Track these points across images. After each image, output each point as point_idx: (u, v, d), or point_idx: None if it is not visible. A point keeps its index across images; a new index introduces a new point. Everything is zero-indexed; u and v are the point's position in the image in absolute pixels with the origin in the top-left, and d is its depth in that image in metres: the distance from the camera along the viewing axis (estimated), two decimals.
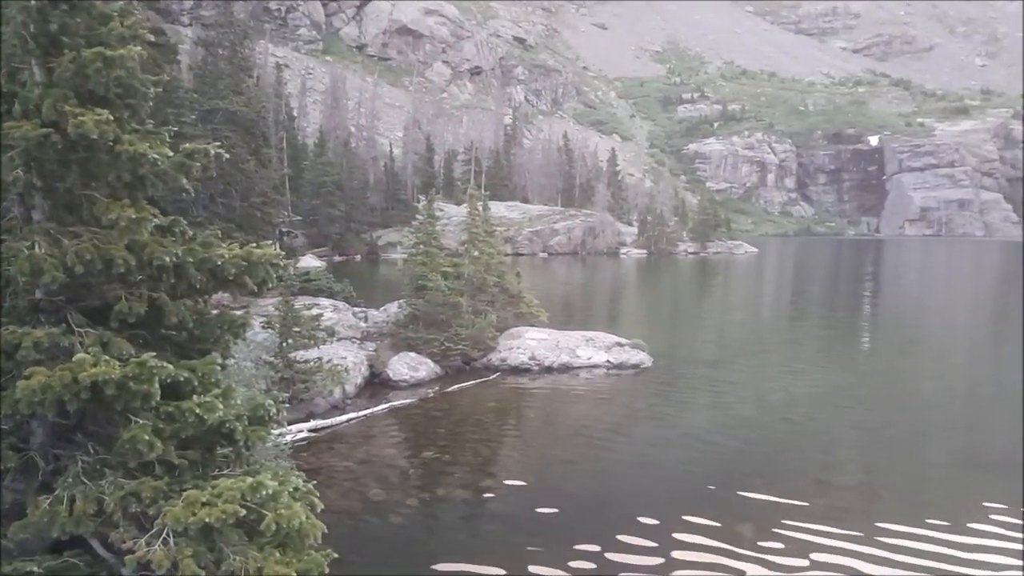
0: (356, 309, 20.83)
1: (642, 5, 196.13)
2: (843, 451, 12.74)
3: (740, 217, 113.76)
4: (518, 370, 18.22)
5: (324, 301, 19.70)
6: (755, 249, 75.11)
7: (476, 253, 20.13)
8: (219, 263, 5.52)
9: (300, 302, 14.61)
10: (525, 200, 75.17)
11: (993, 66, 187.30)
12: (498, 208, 64.72)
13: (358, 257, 53.15)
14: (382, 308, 20.84)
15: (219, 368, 5.50)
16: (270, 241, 6.46)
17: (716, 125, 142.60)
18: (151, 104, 5.89)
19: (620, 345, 19.89)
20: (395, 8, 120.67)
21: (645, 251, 69.47)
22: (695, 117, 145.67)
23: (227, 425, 4.97)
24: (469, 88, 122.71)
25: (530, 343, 19.34)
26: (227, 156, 6.33)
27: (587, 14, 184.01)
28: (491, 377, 17.52)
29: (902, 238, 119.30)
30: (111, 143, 5.16)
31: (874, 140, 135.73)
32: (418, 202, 58.19)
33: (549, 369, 18.43)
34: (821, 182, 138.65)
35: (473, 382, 16.86)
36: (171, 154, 5.49)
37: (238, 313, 6.40)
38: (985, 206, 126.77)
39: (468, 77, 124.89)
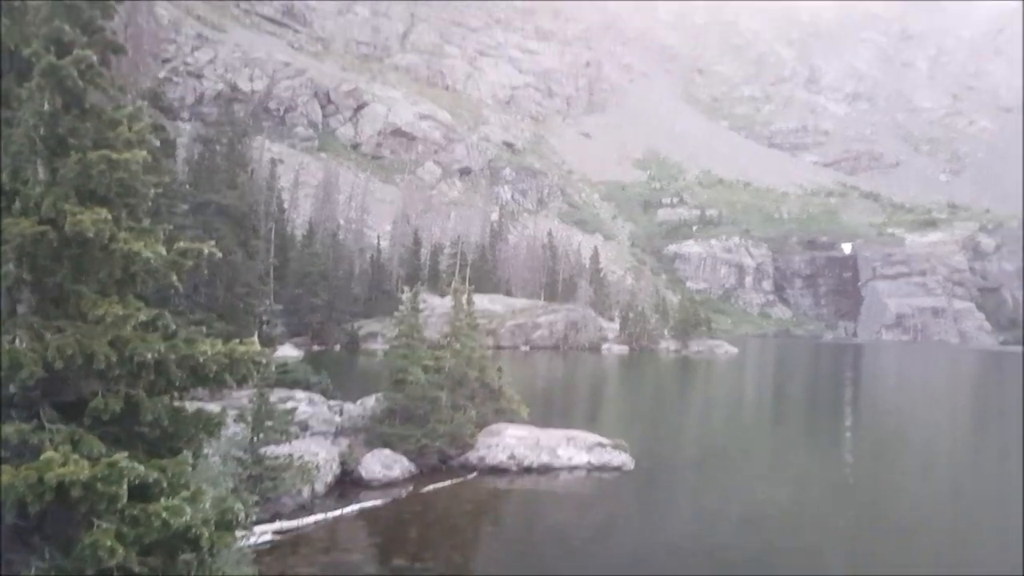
0: (332, 402, 20.43)
1: (624, 117, 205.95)
2: (827, 563, 12.41)
3: (720, 317, 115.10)
4: (496, 470, 17.76)
5: (300, 394, 19.37)
6: (735, 349, 75.44)
7: (458, 346, 20.07)
8: (201, 360, 5.50)
9: (275, 395, 14.37)
10: (509, 293, 75.78)
11: (957, 182, 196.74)
12: (482, 301, 65.02)
13: (337, 347, 52.66)
14: (359, 402, 20.45)
15: (190, 468, 5.38)
16: (254, 337, 6.47)
17: (695, 228, 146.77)
18: (150, 203, 6.04)
19: (602, 445, 19.56)
20: (391, 112, 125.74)
21: (627, 347, 69.57)
22: (675, 220, 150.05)
23: (193, 530, 4.79)
24: (458, 186, 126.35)
25: (510, 441, 18.98)
26: (219, 255, 6.43)
27: (572, 123, 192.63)
28: (468, 477, 17.05)
29: (879, 343, 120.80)
30: (106, 241, 5.26)
31: (847, 248, 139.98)
32: (402, 293, 58.74)
33: (528, 469, 17.98)
34: (798, 286, 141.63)
35: (449, 482, 16.32)
36: (165, 252, 5.58)
37: (214, 411, 6.32)
38: (959, 314, 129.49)
39: (458, 176, 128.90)
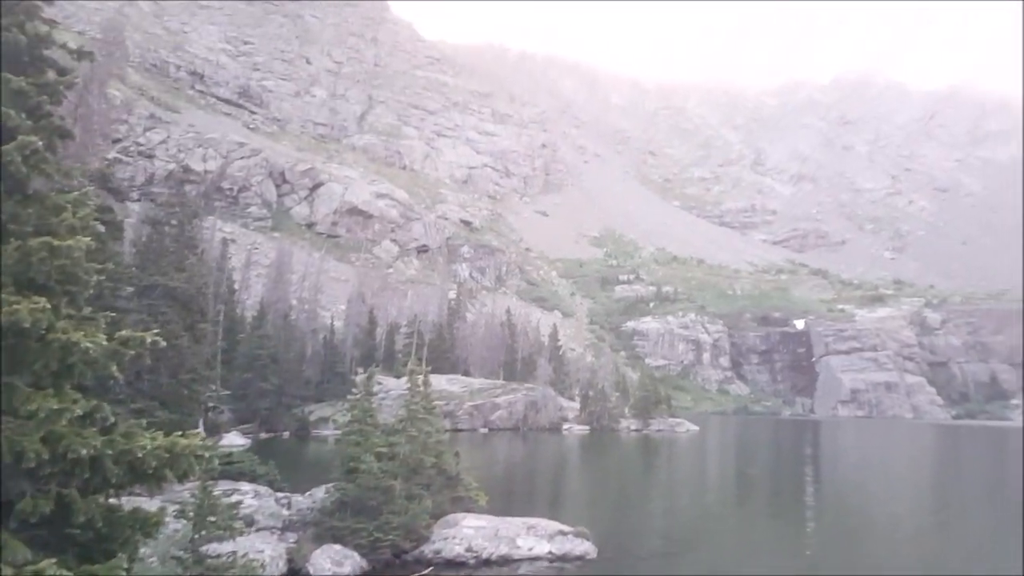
0: (279, 494, 19.59)
1: (580, 197, 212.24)
2: None
3: (680, 394, 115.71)
4: (453, 563, 17.11)
5: (245, 486, 18.57)
6: (696, 427, 75.54)
7: (414, 431, 19.63)
8: (140, 455, 5.30)
9: (219, 487, 13.76)
10: (467, 373, 75.04)
11: (901, 259, 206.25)
12: (439, 381, 64.38)
13: (286, 434, 50.90)
14: (308, 493, 19.65)
15: (124, 574, 5.10)
16: (198, 427, 6.28)
17: (652, 305, 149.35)
18: (91, 289, 5.93)
19: (563, 534, 19.11)
20: (347, 190, 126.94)
21: (587, 427, 69.03)
22: (632, 297, 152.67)
23: None
24: (415, 264, 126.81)
25: (467, 532, 18.39)
26: (163, 343, 6.31)
27: (530, 202, 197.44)
28: (423, 573, 16.39)
29: (836, 419, 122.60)
30: (43, 331, 5.12)
31: (800, 324, 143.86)
32: (356, 375, 57.64)
33: (487, 562, 17.37)
34: (754, 362, 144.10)
35: None
36: (105, 342, 5.45)
37: (152, 509, 6.04)
38: (911, 389, 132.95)
39: (415, 254, 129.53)
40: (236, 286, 60.71)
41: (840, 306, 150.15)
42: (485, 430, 61.96)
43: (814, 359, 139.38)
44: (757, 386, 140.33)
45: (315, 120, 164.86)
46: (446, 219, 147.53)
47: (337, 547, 16.22)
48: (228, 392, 43.69)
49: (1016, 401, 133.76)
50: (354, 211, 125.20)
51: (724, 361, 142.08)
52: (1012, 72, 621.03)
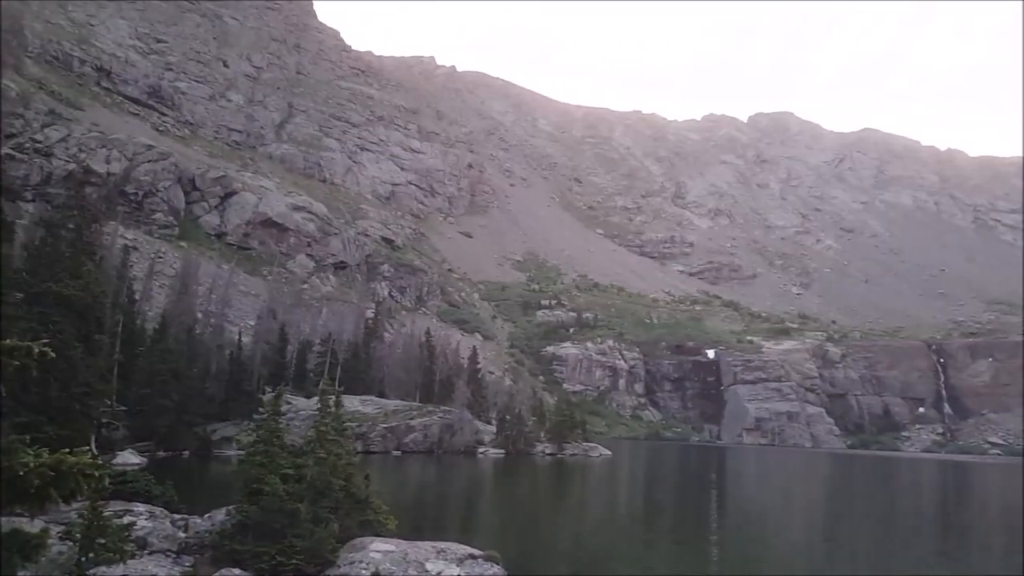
0: (176, 516, 18.85)
1: (505, 220, 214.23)
2: None
3: (595, 419, 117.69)
4: None
5: (139, 506, 17.79)
6: (609, 452, 77.08)
7: (323, 454, 19.33)
8: (22, 473, 5.11)
9: (111, 508, 13.17)
10: (382, 394, 73.97)
11: (807, 295, 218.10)
12: (352, 402, 63.21)
13: (186, 453, 48.73)
14: (207, 515, 18.98)
15: None
16: (89, 444, 6.14)
17: (572, 330, 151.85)
18: None
19: (473, 557, 19.17)
20: (262, 201, 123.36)
21: (503, 451, 69.24)
22: (552, 322, 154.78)
23: None
24: (332, 281, 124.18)
25: (375, 556, 18.18)
26: (52, 354, 6.14)
27: (454, 223, 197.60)
28: None
29: (741, 446, 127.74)
30: None
31: (711, 353, 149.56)
32: (263, 393, 55.84)
33: None
34: (667, 389, 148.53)
35: None
36: None
37: (34, 530, 5.82)
38: (811, 418, 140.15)
39: (332, 270, 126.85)
40: (137, 296, 57.90)
41: (749, 337, 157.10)
42: (398, 453, 61.20)
43: (723, 388, 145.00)
44: (669, 412, 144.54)
45: (230, 126, 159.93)
46: (367, 236, 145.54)
47: (237, 571, 15.76)
48: (124, 408, 41.51)
49: (906, 433, 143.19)
50: (268, 223, 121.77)
51: (639, 388, 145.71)
52: (915, 121, 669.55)
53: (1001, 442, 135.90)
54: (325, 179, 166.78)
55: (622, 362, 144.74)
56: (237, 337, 68.06)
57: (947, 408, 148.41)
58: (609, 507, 40.83)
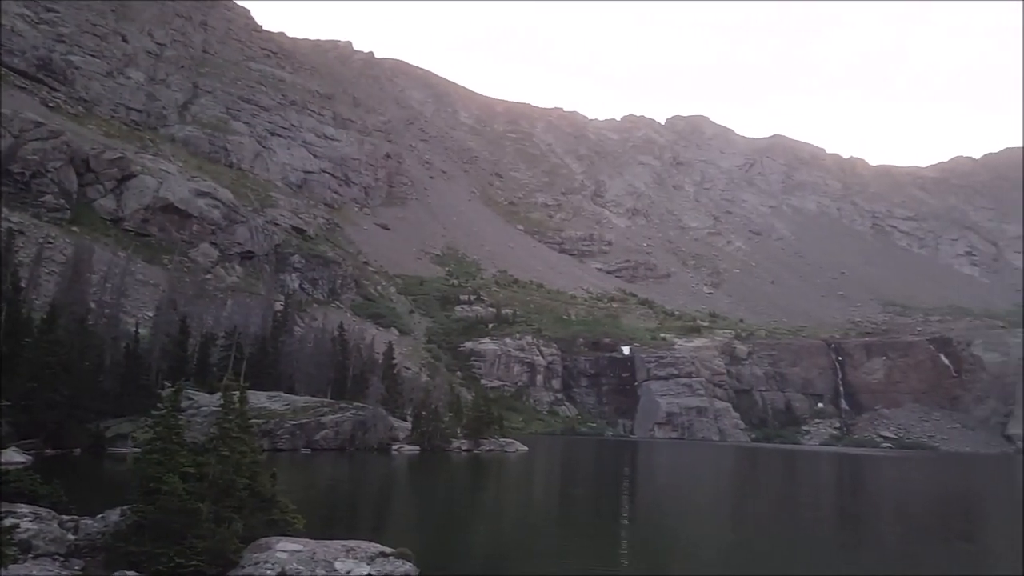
0: (65, 517, 17.88)
1: (424, 213, 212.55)
2: None
3: (512, 415, 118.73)
4: None
5: (23, 508, 16.77)
6: (526, 447, 78.11)
7: (226, 451, 18.79)
8: None
9: None
10: (291, 390, 72.09)
11: (717, 294, 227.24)
12: (259, 398, 61.53)
13: (77, 451, 46.13)
14: (100, 516, 18.11)
15: None
16: None
17: (491, 326, 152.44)
18: None
19: (384, 555, 19.12)
20: (163, 185, 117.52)
21: (418, 447, 68.94)
22: (471, 317, 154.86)
23: None
24: (238, 271, 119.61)
25: (281, 556, 17.85)
26: None
27: (370, 214, 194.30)
28: None
29: (652, 440, 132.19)
30: None
31: (626, 350, 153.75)
32: (162, 389, 53.45)
33: None
34: (583, 385, 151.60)
35: None
36: None
37: None
38: (718, 413, 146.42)
39: (238, 260, 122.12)
40: (23, 284, 54.14)
41: (662, 335, 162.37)
42: (308, 450, 59.94)
43: (637, 383, 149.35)
44: (585, 408, 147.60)
45: (129, 104, 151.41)
46: (276, 225, 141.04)
47: (131, 573, 15.18)
48: (8, 403, 38.85)
49: (806, 427, 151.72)
50: (169, 208, 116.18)
51: (556, 383, 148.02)
52: (821, 129, 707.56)
53: (892, 436, 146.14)
54: (232, 164, 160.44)
55: (540, 358, 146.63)
56: (134, 329, 64.73)
57: (844, 404, 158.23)
58: (524, 502, 41.43)
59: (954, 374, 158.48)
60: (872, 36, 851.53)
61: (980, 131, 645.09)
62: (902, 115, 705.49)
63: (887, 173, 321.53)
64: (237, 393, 20.51)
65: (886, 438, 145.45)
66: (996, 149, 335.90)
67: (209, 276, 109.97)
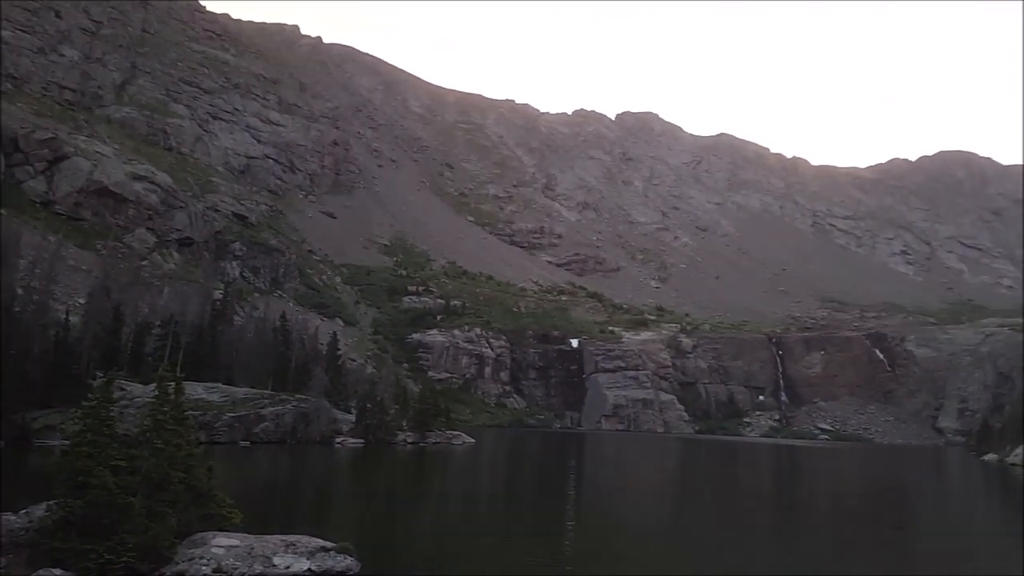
0: None
1: (371, 202, 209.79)
2: None
3: (459, 407, 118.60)
4: None
5: None
6: (473, 440, 78.18)
7: (160, 444, 18.20)
8: None
9: None
10: (230, 381, 70.42)
11: (664, 288, 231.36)
12: (196, 389, 59.91)
13: (2, 443, 44.12)
14: (24, 511, 17.35)
15: None
16: None
17: (439, 318, 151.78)
18: None
19: (325, 550, 18.85)
20: (97, 168, 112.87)
21: (362, 440, 68.23)
22: (419, 308, 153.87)
23: None
24: (176, 258, 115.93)
25: (217, 551, 17.41)
26: None
27: (316, 202, 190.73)
28: None
29: (599, 432, 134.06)
30: None
31: (575, 342, 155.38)
32: (93, 379, 51.50)
33: None
34: (532, 377, 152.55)
35: None
36: None
37: None
38: (664, 405, 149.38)
39: (176, 247, 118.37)
40: None
41: (611, 328, 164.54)
42: (247, 443, 58.69)
43: (585, 376, 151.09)
44: (533, 400, 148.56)
45: (62, 83, 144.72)
46: (217, 211, 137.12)
47: (58, 571, 14.59)
48: None
49: (748, 419, 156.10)
50: (104, 192, 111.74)
51: (504, 376, 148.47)
52: (766, 129, 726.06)
53: (829, 428, 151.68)
54: (171, 147, 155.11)
55: (489, 350, 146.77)
56: (64, 316, 62.21)
57: (783, 396, 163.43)
58: (469, 495, 41.44)
59: (888, 369, 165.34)
60: (816, 37, 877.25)
61: (916, 134, 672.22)
62: (842, 116, 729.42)
63: (827, 173, 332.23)
64: (173, 384, 19.91)
65: (823, 430, 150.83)
66: (931, 152, 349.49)
67: (145, 263, 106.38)
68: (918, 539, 32.01)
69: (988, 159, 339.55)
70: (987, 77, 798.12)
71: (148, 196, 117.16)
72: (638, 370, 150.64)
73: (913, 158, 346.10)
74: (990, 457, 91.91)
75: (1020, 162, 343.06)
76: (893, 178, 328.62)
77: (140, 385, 55.68)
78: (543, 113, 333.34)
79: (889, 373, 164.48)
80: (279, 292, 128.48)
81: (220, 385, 66.00)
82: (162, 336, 67.99)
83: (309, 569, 17.82)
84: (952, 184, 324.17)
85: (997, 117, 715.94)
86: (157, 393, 19.17)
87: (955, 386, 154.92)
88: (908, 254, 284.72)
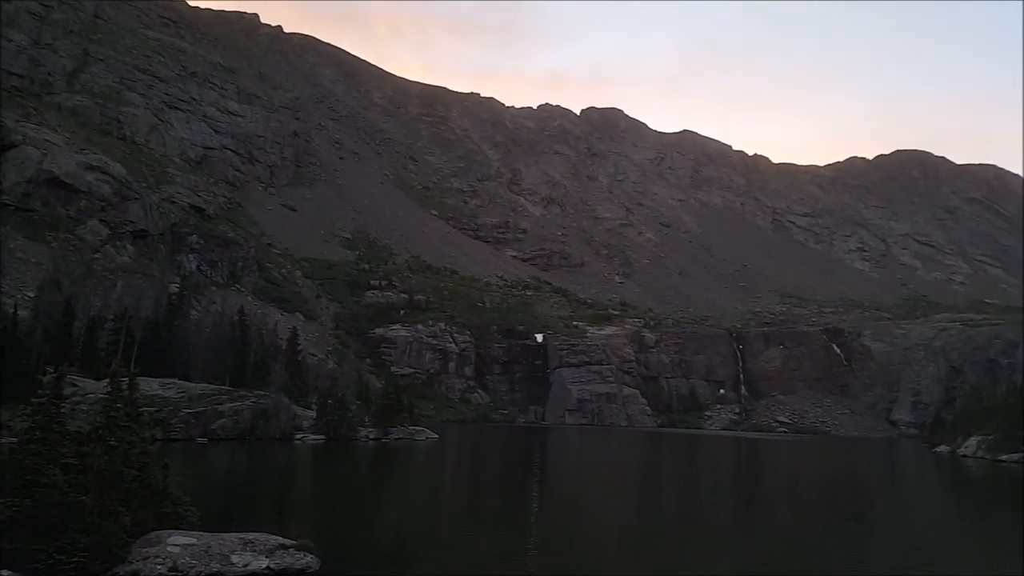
0: None
1: (333, 195, 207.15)
2: None
3: (423, 402, 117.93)
4: None
5: None
6: (436, 435, 77.95)
7: (113, 441, 17.78)
8: None
9: None
10: (186, 377, 69.06)
11: (628, 284, 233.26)
12: (151, 385, 58.75)
13: None
14: None
15: None
16: None
17: (403, 312, 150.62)
18: None
19: (285, 548, 18.65)
20: (47, 157, 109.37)
21: (323, 437, 67.53)
22: (382, 303, 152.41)
23: None
24: (130, 250, 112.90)
25: (173, 550, 17.10)
26: None
27: (276, 194, 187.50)
28: None
29: (563, 426, 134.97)
30: None
31: (540, 337, 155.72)
32: (44, 375, 50.02)
33: None
34: (496, 372, 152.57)
35: None
36: None
37: None
38: (627, 399, 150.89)
39: (130, 239, 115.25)
40: None
41: (575, 323, 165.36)
42: (204, 440, 57.66)
43: (549, 371, 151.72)
44: (497, 395, 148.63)
45: (10, 69, 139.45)
46: (173, 202, 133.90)
47: (5, 572, 14.17)
48: None
49: (709, 413, 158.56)
50: (55, 182, 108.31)
51: (469, 371, 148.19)
52: (726, 127, 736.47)
53: (787, 421, 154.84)
54: (125, 137, 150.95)
55: (453, 345, 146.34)
56: (12, 311, 60.25)
57: (743, 390, 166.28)
58: (432, 491, 41.34)
59: (844, 363, 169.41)
60: (776, 36, 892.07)
61: (874, 133, 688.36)
62: (803, 114, 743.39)
63: (787, 171, 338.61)
64: (126, 380, 19.48)
65: (782, 423, 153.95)
66: (888, 151, 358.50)
67: (98, 255, 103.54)
68: (873, 532, 32.92)
69: (942, 159, 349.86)
70: (946, 76, 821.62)
71: (101, 187, 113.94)
72: (602, 365, 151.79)
73: (871, 157, 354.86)
74: (942, 449, 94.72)
75: (973, 161, 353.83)
76: (851, 176, 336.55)
77: (92, 381, 54.33)
78: (508, 107, 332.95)
79: (846, 367, 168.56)
80: (237, 286, 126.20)
81: (176, 381, 64.76)
82: (115, 331, 66.41)
83: (268, 567, 17.62)
84: (907, 183, 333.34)
85: (953, 117, 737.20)
86: (110, 389, 18.73)
87: (909, 380, 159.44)
88: (864, 251, 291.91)
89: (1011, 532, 33.95)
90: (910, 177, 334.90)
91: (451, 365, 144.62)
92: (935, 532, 33.33)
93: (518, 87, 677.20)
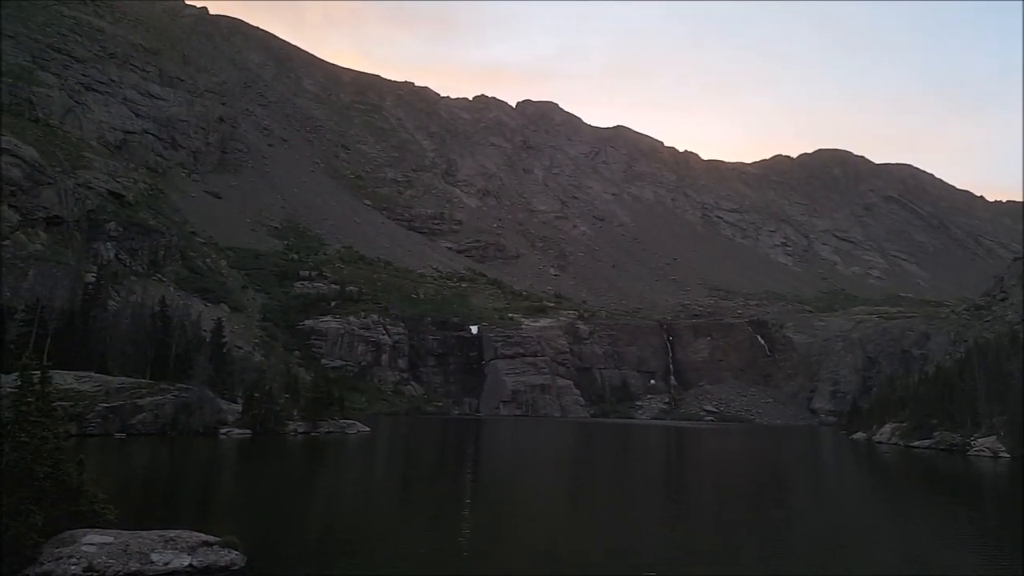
0: None
1: (261, 182, 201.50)
2: None
3: (354, 395, 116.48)
4: None
5: None
6: (368, 428, 77.11)
7: (24, 437, 16.92)
8: None
9: None
10: (103, 370, 66.23)
11: (563, 276, 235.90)
12: (65, 379, 56.13)
13: None
14: None
15: None
16: None
17: (334, 304, 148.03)
18: None
19: (208, 545, 18.14)
20: None
21: (250, 431, 65.84)
22: (313, 294, 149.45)
23: None
24: (43, 238, 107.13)
25: (88, 550, 16.42)
26: None
27: (199, 181, 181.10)
28: None
29: (498, 418, 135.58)
30: None
31: (475, 329, 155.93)
32: None
33: None
34: (430, 364, 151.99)
35: None
36: None
37: None
38: (561, 390, 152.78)
39: (43, 226, 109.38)
40: None
41: (510, 315, 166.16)
42: (122, 435, 55.42)
43: (484, 362, 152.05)
44: (431, 387, 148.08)
45: None
46: (90, 188, 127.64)
47: None
48: None
49: (640, 403, 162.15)
50: None
51: (402, 363, 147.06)
52: (659, 123, 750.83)
53: (714, 410, 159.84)
54: (38, 119, 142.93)
55: (386, 337, 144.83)
56: None
57: (673, 380, 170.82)
58: (363, 485, 40.92)
59: (768, 354, 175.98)
60: (703, 37, 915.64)
61: (798, 132, 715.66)
62: (731, 113, 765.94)
63: (716, 168, 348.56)
64: (38, 372, 18.54)
65: (709, 412, 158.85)
66: (811, 150, 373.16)
67: (8, 242, 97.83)
68: (796, 518, 34.33)
69: (862, 158, 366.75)
70: (866, 78, 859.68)
71: (11, 170, 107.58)
72: (536, 356, 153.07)
73: (795, 155, 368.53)
74: (859, 436, 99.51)
75: (891, 161, 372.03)
76: (776, 174, 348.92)
77: (2, 374, 51.39)
78: (443, 98, 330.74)
79: (769, 358, 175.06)
80: (158, 276, 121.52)
81: (93, 374, 62.09)
82: (27, 321, 63.27)
83: (191, 565, 17.12)
84: (828, 181, 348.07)
85: (875, 115, 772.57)
86: (20, 383, 17.80)
87: (828, 370, 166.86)
88: (788, 246, 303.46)
89: (923, 511, 36.56)
90: (831, 175, 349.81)
91: (384, 357, 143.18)
92: (854, 513, 35.07)
93: (453, 79, 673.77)
